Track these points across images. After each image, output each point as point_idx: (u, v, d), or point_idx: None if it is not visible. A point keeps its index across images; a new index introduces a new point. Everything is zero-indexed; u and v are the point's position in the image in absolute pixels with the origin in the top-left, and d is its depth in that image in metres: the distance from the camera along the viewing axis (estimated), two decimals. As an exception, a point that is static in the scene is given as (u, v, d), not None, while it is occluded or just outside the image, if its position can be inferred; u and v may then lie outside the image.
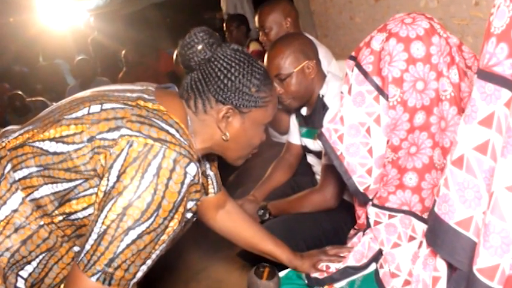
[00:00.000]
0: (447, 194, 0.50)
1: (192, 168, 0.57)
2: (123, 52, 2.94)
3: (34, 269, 0.61)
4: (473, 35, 1.35)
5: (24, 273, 0.60)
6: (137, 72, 2.88)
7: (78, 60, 3.12)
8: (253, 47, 2.40)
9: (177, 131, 0.59)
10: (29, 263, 0.60)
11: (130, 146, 0.54)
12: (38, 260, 0.61)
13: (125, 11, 4.70)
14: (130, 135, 0.55)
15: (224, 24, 2.52)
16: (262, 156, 1.56)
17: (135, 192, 0.53)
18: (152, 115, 0.59)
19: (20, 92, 2.94)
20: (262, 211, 1.17)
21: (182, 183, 0.56)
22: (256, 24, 1.55)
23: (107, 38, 3.74)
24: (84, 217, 0.59)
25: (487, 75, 0.44)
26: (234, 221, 0.90)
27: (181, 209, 0.57)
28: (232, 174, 1.54)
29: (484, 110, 0.45)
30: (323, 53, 1.44)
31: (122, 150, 0.55)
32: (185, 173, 0.56)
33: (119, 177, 0.54)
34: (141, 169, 0.53)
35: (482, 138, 0.46)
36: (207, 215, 0.88)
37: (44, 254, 0.61)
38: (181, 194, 0.56)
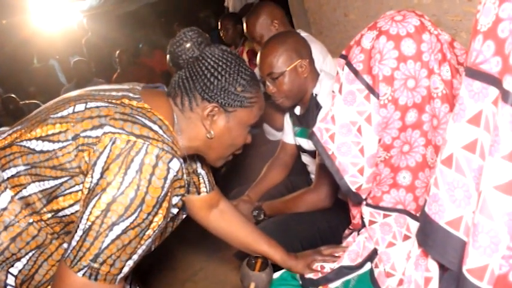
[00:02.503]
0: (437, 194, 0.50)
1: (175, 164, 0.58)
2: (117, 53, 2.94)
3: (24, 266, 0.62)
4: (467, 31, 1.34)
5: (14, 270, 0.61)
6: (131, 72, 2.87)
7: (75, 61, 3.11)
8: (249, 46, 2.39)
9: (160, 128, 0.60)
10: (18, 260, 0.61)
11: (113, 143, 0.55)
12: (27, 257, 0.61)
13: (119, 11, 4.68)
14: (113, 133, 0.56)
15: (219, 23, 2.51)
16: (257, 155, 1.56)
17: (118, 189, 0.53)
18: (136, 112, 0.60)
19: (13, 95, 2.92)
20: (257, 212, 1.16)
21: (165, 178, 0.56)
22: (246, 32, 1.54)
23: (101, 38, 3.72)
24: (72, 214, 0.60)
25: (474, 73, 0.44)
26: (228, 221, 0.90)
27: (165, 204, 0.58)
28: (227, 174, 1.54)
29: (472, 109, 0.45)
30: (318, 49, 1.43)
31: (105, 147, 0.55)
32: (168, 169, 0.56)
33: (102, 173, 0.54)
34: (124, 165, 0.54)
35: (470, 137, 0.45)
36: (200, 214, 0.88)
37: (33, 251, 0.62)
38: (165, 189, 0.56)
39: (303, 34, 1.53)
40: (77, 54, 3.86)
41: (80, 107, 0.61)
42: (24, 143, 0.60)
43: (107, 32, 3.89)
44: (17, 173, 0.59)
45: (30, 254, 0.61)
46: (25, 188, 0.59)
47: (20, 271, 0.61)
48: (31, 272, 0.62)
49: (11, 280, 0.61)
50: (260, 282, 0.78)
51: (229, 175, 1.51)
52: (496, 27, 0.41)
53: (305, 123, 1.17)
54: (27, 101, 3.03)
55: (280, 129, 1.44)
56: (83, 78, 2.93)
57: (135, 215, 0.54)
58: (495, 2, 0.41)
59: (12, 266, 0.61)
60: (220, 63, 0.64)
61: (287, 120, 1.30)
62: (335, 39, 2.22)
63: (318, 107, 1.10)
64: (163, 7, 4.74)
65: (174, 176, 0.58)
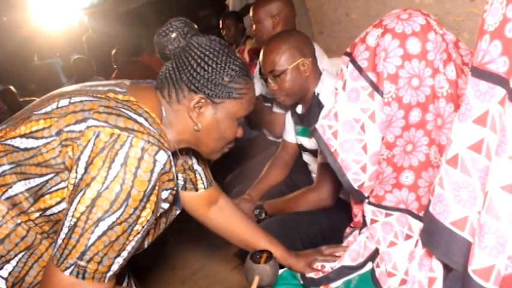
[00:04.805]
0: (442, 194, 0.49)
1: (162, 156, 0.56)
2: (113, 52, 2.92)
3: (14, 268, 0.60)
4: (469, 31, 1.34)
5: (4, 273, 0.60)
6: (129, 72, 2.85)
7: (75, 59, 3.10)
8: (250, 45, 2.39)
9: (146, 120, 0.59)
10: (8, 262, 0.60)
11: (97, 136, 0.54)
12: (17, 258, 0.60)
13: (119, 9, 4.67)
14: (97, 126, 0.55)
15: (221, 22, 2.51)
16: (259, 155, 1.56)
17: (103, 183, 0.52)
18: (121, 106, 0.59)
19: (11, 87, 2.92)
20: (258, 210, 1.16)
21: (152, 171, 0.55)
22: (250, 14, 1.53)
23: (102, 36, 3.71)
24: (59, 212, 0.59)
25: (480, 73, 0.44)
26: (227, 218, 0.89)
27: (153, 198, 0.56)
28: (230, 173, 1.53)
29: (478, 108, 0.44)
30: (320, 54, 1.42)
31: (89, 141, 0.54)
32: (154, 161, 0.55)
33: (86, 168, 0.53)
34: (108, 159, 0.53)
35: (476, 137, 0.45)
36: (198, 211, 0.87)
37: (23, 253, 0.61)
38: (152, 182, 0.55)
39: None
40: (77, 52, 3.85)
41: (63, 102, 0.60)
42: (8, 142, 0.59)
43: (107, 30, 3.88)
44: (2, 172, 0.58)
45: (20, 255, 0.60)
46: (11, 187, 0.58)
47: (10, 273, 0.60)
48: (21, 274, 0.61)
49: (1, 283, 0.60)
50: (264, 275, 0.74)
51: (234, 178, 1.50)
52: (503, 27, 0.41)
53: (307, 122, 1.17)
54: (27, 98, 3.02)
55: (279, 137, 1.43)
56: (82, 76, 2.91)
57: (121, 210, 0.53)
58: (502, 2, 0.41)
59: (2, 268, 0.60)
60: (207, 53, 0.62)
61: (288, 119, 1.30)
62: (336, 38, 2.21)
63: (320, 106, 1.10)
64: (164, 5, 4.73)
65: (161, 168, 0.56)
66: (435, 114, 0.67)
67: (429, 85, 0.66)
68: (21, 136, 0.58)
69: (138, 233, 0.56)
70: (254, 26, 1.46)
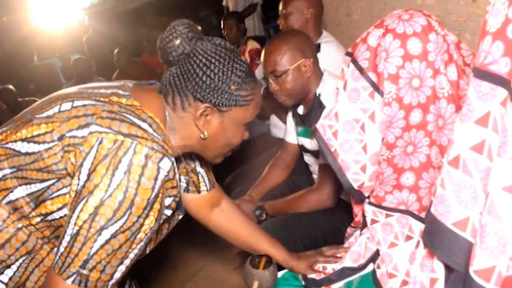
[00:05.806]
0: (443, 195, 0.49)
1: (166, 163, 0.56)
2: (115, 52, 2.92)
3: (14, 273, 0.60)
4: (471, 32, 1.34)
5: (4, 278, 0.60)
6: (130, 72, 2.85)
7: (75, 59, 3.10)
8: (251, 45, 2.40)
9: (150, 126, 0.58)
10: (8, 267, 0.59)
11: (100, 143, 0.53)
12: (17, 263, 0.60)
13: (120, 9, 4.67)
14: (100, 132, 0.54)
15: (222, 22, 2.51)
16: (259, 155, 1.56)
17: (106, 191, 0.52)
18: (124, 110, 0.58)
19: (11, 86, 2.92)
20: (259, 211, 1.16)
21: (155, 178, 0.54)
22: (280, 7, 1.52)
23: (102, 36, 3.71)
24: (61, 217, 0.59)
25: (482, 74, 0.43)
26: (229, 220, 0.89)
27: (156, 206, 0.56)
28: (230, 174, 1.54)
29: (480, 109, 0.44)
30: (342, 52, 1.43)
31: (92, 147, 0.53)
32: (158, 168, 0.54)
33: (89, 175, 0.52)
34: (111, 166, 0.52)
35: (478, 138, 0.45)
36: (201, 213, 0.87)
37: (24, 258, 0.60)
38: (155, 190, 0.55)
39: (328, 39, 1.52)
40: (78, 52, 3.85)
41: (66, 105, 0.59)
42: (9, 145, 0.58)
43: (108, 30, 3.88)
44: (3, 176, 0.57)
45: (21, 260, 0.60)
46: (12, 191, 0.57)
47: (10, 278, 0.60)
48: (22, 279, 0.60)
49: None
50: (264, 280, 0.76)
51: (234, 178, 1.51)
52: (506, 28, 0.41)
53: (308, 122, 1.17)
54: (26, 98, 3.02)
55: None
56: (82, 77, 2.92)
57: (125, 218, 0.52)
58: (504, 3, 0.41)
59: (2, 273, 0.59)
60: (213, 61, 0.60)
61: (290, 119, 1.30)
62: (337, 39, 2.21)
63: (321, 107, 1.10)
64: (164, 5, 4.73)
65: (165, 176, 0.56)
66: (436, 115, 0.67)
67: (430, 86, 0.66)
68: (22, 140, 0.57)
69: (141, 240, 0.56)
70: (285, 19, 1.45)
